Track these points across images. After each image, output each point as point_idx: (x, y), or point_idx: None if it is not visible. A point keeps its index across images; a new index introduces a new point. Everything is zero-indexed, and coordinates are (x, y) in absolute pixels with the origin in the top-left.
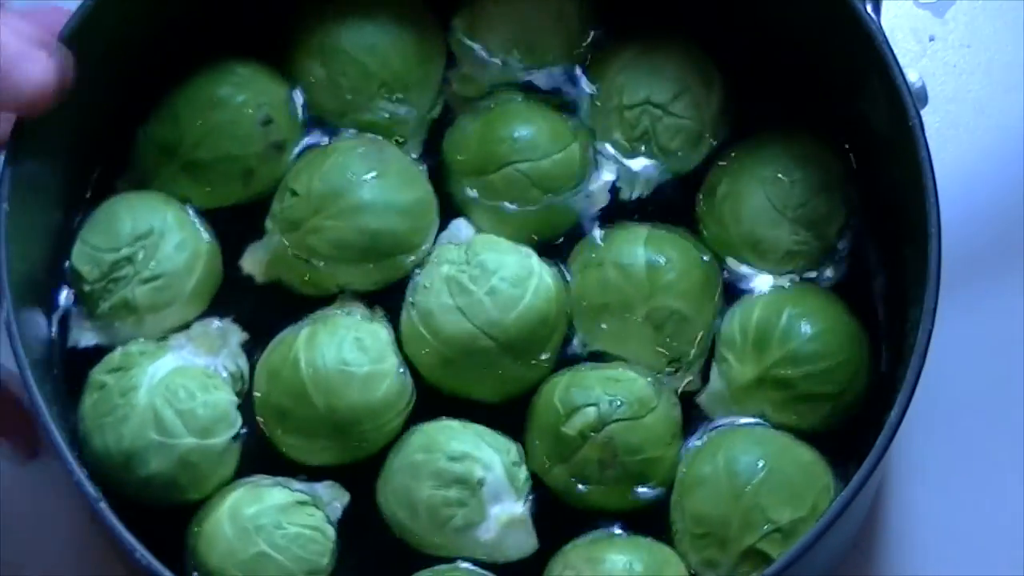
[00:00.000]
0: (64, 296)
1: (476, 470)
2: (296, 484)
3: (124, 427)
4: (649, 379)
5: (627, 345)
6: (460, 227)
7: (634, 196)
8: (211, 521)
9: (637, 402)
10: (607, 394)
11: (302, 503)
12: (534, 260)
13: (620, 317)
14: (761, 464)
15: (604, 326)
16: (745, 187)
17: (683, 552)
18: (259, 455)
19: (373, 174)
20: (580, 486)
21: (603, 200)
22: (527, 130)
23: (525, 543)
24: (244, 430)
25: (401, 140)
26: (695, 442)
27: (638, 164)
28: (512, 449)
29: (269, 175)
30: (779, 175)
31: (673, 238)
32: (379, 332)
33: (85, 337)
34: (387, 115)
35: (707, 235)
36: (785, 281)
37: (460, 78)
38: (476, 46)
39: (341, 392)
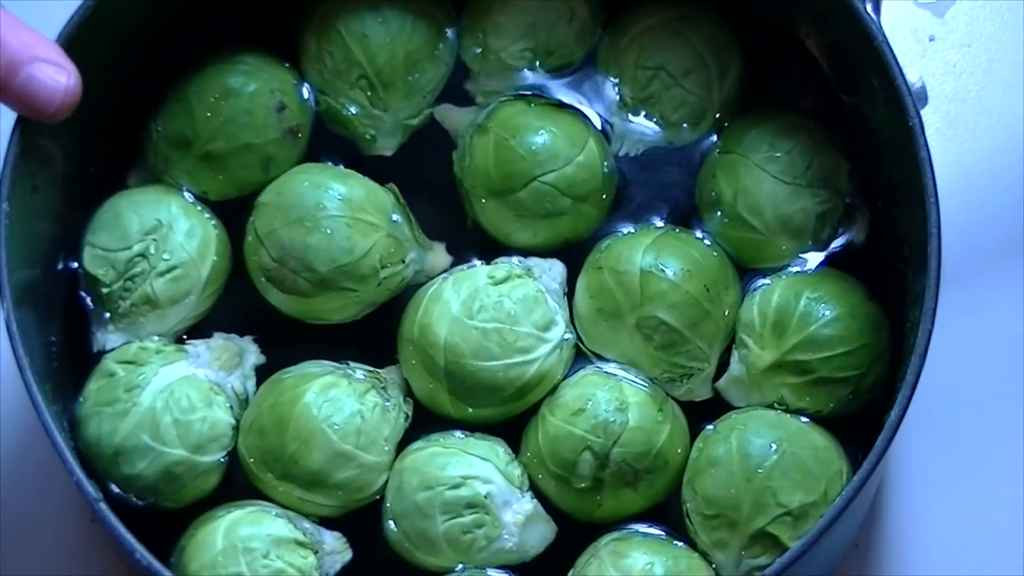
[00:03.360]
0: (64, 296)
1: (479, 487)
2: (305, 523)
3: (121, 422)
4: (599, 384)
5: (619, 350)
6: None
7: (622, 152)
8: (206, 529)
9: (612, 412)
10: (585, 431)
11: (301, 543)
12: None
13: (611, 323)
14: (774, 448)
15: (597, 329)
16: (748, 179)
17: (694, 532)
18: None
19: None
20: (628, 505)
21: None
22: (542, 139)
23: (546, 531)
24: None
25: (370, 138)
26: (710, 425)
27: (634, 120)
28: (499, 450)
29: (287, 161)
30: (774, 153)
31: (683, 245)
32: None
33: (111, 339)
34: (358, 110)
35: (734, 247)
36: (821, 255)
37: (483, 92)
38: (493, 58)
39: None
